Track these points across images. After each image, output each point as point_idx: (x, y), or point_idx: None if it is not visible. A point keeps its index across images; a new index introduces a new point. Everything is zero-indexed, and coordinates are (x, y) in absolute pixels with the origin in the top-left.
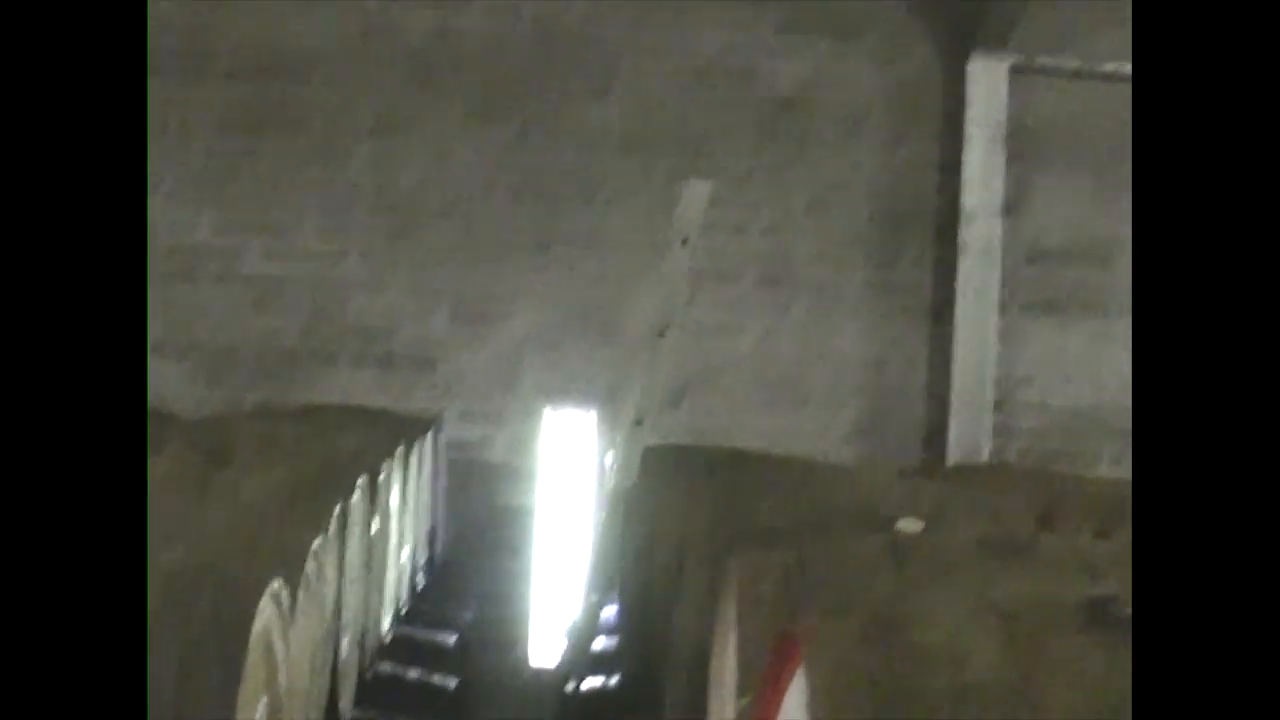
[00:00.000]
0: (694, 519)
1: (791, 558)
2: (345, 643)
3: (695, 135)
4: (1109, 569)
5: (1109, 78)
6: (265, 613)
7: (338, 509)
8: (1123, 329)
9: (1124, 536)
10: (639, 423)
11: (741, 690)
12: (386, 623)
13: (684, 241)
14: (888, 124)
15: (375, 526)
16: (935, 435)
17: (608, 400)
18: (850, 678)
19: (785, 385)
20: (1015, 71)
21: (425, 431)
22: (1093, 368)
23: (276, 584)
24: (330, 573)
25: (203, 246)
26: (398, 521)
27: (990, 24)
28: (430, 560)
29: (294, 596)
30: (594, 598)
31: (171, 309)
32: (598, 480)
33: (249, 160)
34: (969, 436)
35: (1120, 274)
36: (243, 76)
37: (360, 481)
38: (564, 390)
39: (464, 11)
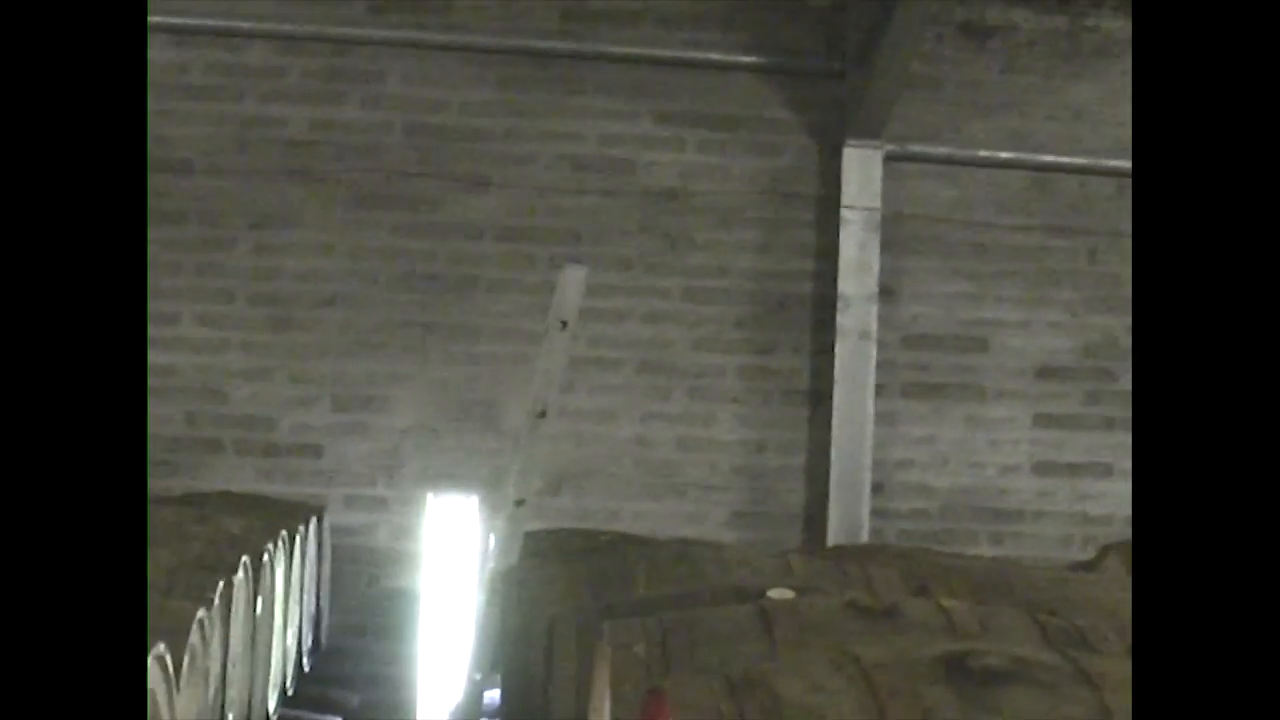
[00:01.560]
0: (568, 596)
1: (663, 624)
2: (230, 717)
3: (574, 225)
4: (974, 630)
5: (982, 164)
6: (151, 674)
7: (220, 585)
8: (998, 411)
9: (995, 605)
10: (519, 503)
11: None
12: (272, 704)
13: (562, 325)
14: (765, 212)
15: (259, 608)
16: (815, 519)
17: (489, 486)
18: None
19: (665, 471)
20: (890, 159)
21: (309, 517)
22: (970, 450)
23: (161, 647)
24: (215, 649)
25: None
26: (282, 604)
27: (863, 114)
28: (316, 643)
29: (178, 667)
30: (476, 679)
31: None
32: (480, 564)
33: None
34: (848, 519)
35: (996, 357)
36: None
37: (244, 561)
38: (446, 476)
39: (341, 106)
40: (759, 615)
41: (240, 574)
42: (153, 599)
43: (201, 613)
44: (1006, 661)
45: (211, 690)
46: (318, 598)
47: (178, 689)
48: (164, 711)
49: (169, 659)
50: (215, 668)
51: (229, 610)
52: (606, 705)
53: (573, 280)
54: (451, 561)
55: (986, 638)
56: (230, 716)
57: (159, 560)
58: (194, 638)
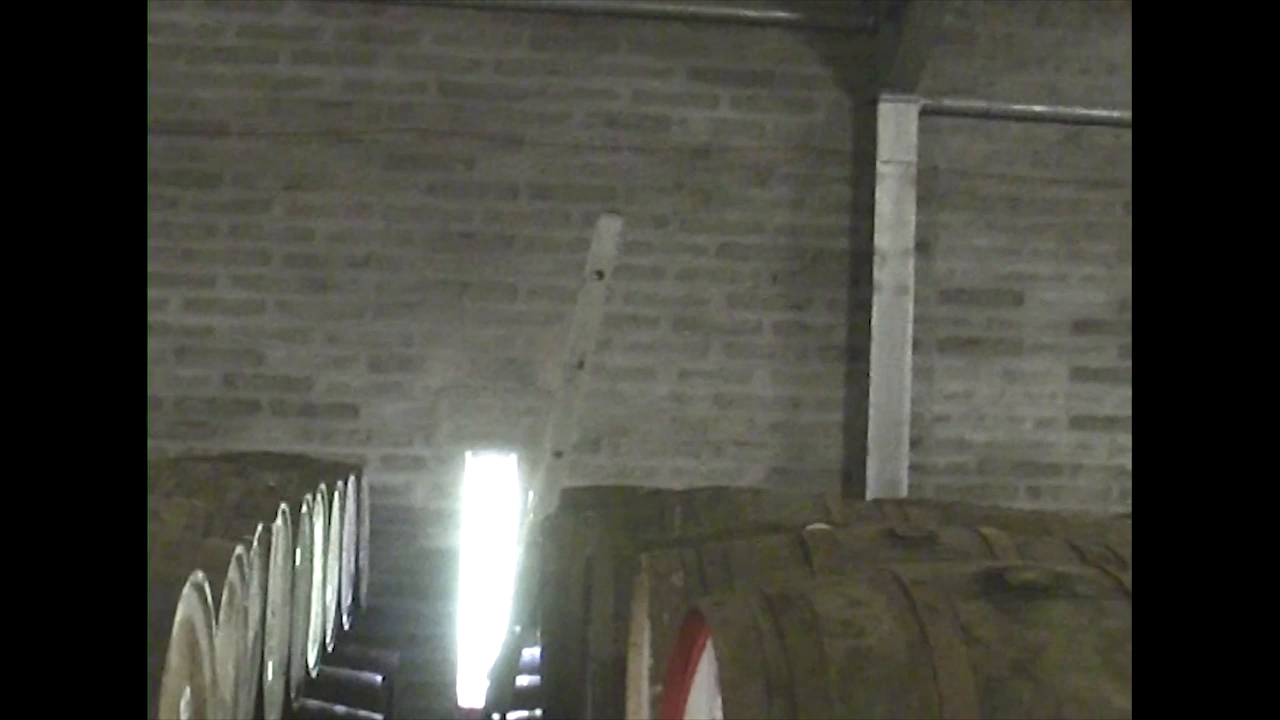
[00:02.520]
0: (605, 538)
1: (700, 554)
2: (270, 669)
3: (608, 182)
4: (1012, 552)
5: (1016, 118)
6: (189, 601)
7: (259, 528)
8: (1035, 365)
9: (1031, 538)
10: (557, 455)
11: (655, 678)
12: (312, 658)
13: (599, 275)
14: (799, 168)
15: (299, 558)
16: (853, 474)
17: (527, 444)
18: (752, 647)
19: (702, 428)
20: (924, 113)
21: (348, 475)
22: (1007, 404)
23: (200, 575)
24: (254, 591)
25: None
26: (321, 558)
27: (897, 68)
28: (355, 602)
29: (216, 601)
30: (516, 631)
31: None
32: (519, 518)
33: (167, 213)
34: (887, 474)
35: (1031, 311)
36: (157, 132)
37: (282, 508)
38: (483, 435)
39: (375, 66)
40: (796, 544)
41: (279, 521)
42: (188, 537)
43: (239, 550)
44: (1045, 576)
45: (251, 633)
46: (357, 556)
47: (216, 622)
48: (202, 642)
49: (208, 590)
50: (255, 611)
51: (268, 555)
52: (646, 635)
53: (609, 230)
54: (490, 520)
55: (1025, 558)
56: (270, 665)
57: (194, 507)
58: (232, 574)
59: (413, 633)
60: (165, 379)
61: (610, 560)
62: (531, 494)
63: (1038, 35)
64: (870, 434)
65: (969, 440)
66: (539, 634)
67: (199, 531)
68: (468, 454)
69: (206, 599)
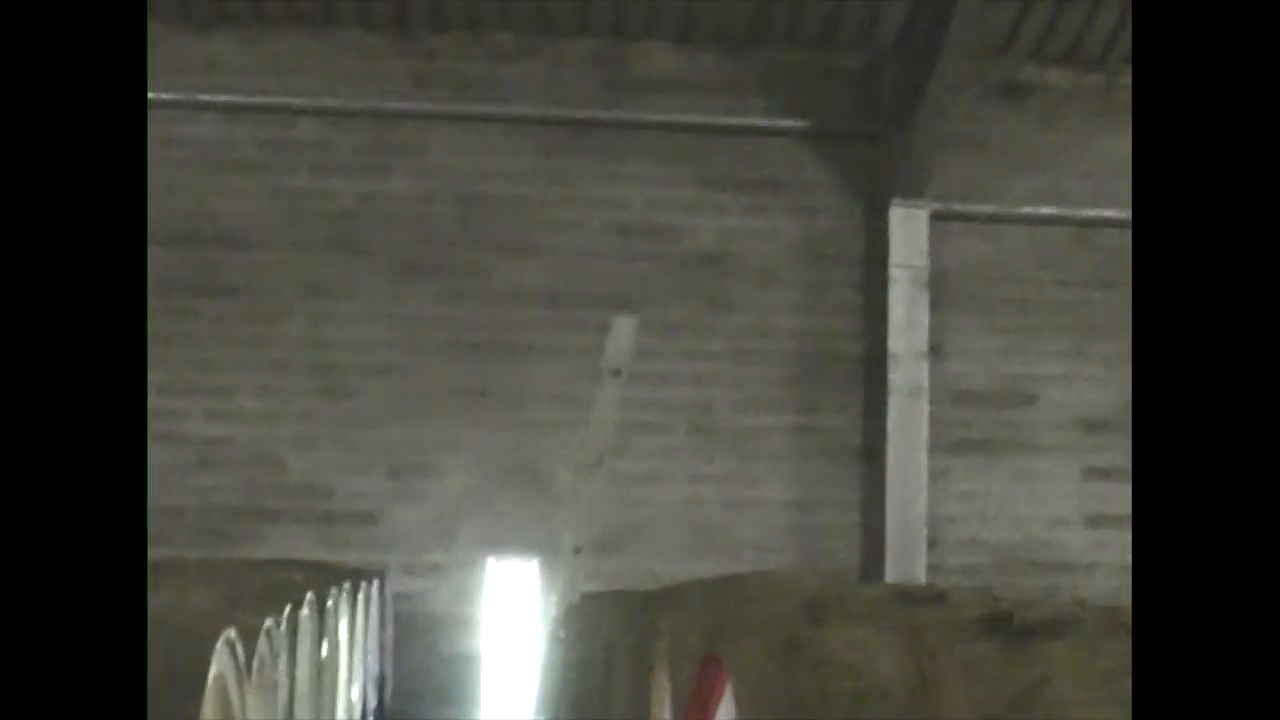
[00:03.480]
0: (624, 618)
1: (717, 616)
2: None
3: (620, 289)
4: (1017, 607)
5: (1024, 220)
6: (221, 658)
7: (287, 609)
8: (1047, 465)
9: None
10: (577, 551)
11: None
12: None
13: (615, 373)
14: (810, 272)
15: (325, 651)
16: (870, 576)
17: (545, 548)
18: (765, 688)
19: (715, 532)
20: (935, 218)
21: (371, 578)
22: (1017, 504)
23: (232, 633)
24: (282, 668)
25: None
26: (346, 656)
27: (906, 173)
28: (380, 707)
29: (248, 668)
30: None
31: None
32: (540, 617)
33: (188, 324)
34: (905, 575)
35: (1041, 412)
36: (178, 244)
37: (309, 597)
38: (503, 540)
39: (389, 178)
40: (808, 603)
41: (306, 610)
42: (219, 609)
43: (269, 623)
44: (1047, 617)
45: (280, 712)
46: (381, 660)
47: (248, 681)
48: (235, 701)
49: (240, 650)
50: (283, 692)
51: (295, 638)
52: (666, 698)
53: (624, 330)
54: (512, 624)
55: (1030, 607)
56: None
57: (219, 593)
58: (262, 645)
59: None
60: (186, 488)
61: (629, 633)
62: (553, 592)
63: (1043, 139)
64: (888, 535)
65: (983, 540)
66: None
67: (226, 604)
68: (490, 559)
69: (238, 658)
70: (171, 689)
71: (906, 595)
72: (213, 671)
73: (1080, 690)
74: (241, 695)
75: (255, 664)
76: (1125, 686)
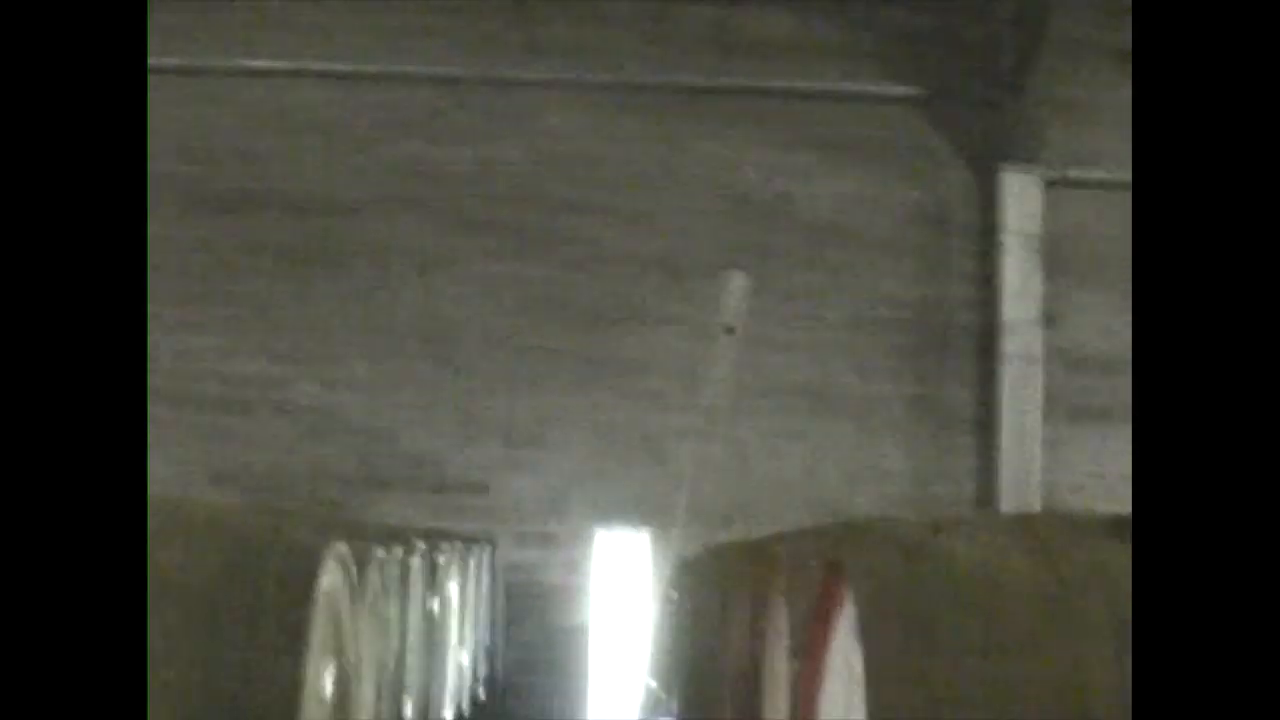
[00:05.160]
0: (738, 571)
1: (838, 544)
2: (409, 704)
3: (735, 257)
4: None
5: None
6: (332, 573)
7: (401, 551)
8: None
9: None
10: (690, 513)
11: (794, 654)
12: (449, 716)
13: (729, 330)
14: (924, 241)
15: (436, 606)
16: None
17: (657, 520)
18: (891, 595)
19: (833, 504)
20: (1048, 185)
21: (483, 546)
22: None
23: (344, 547)
24: (393, 610)
25: (258, 377)
26: (458, 616)
27: (1019, 139)
28: (490, 675)
29: (361, 591)
30: (652, 686)
31: (229, 439)
32: (655, 579)
33: (302, 294)
34: None
35: None
36: (292, 212)
37: (420, 546)
38: (614, 512)
39: (503, 147)
40: (931, 527)
41: (417, 558)
42: (331, 523)
43: (381, 552)
44: None
45: (392, 652)
46: (491, 630)
47: (360, 602)
48: (345, 614)
49: (353, 567)
50: (394, 638)
51: (406, 581)
52: (784, 625)
53: (738, 286)
54: (622, 596)
55: None
56: (409, 701)
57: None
58: (373, 576)
59: (546, 709)
60: (299, 456)
61: (744, 578)
62: (664, 558)
63: None
64: (1003, 506)
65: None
66: (676, 680)
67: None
68: (598, 530)
69: (351, 576)
70: (284, 596)
71: (1027, 515)
72: (323, 585)
73: None
74: (354, 619)
75: (367, 593)
76: None
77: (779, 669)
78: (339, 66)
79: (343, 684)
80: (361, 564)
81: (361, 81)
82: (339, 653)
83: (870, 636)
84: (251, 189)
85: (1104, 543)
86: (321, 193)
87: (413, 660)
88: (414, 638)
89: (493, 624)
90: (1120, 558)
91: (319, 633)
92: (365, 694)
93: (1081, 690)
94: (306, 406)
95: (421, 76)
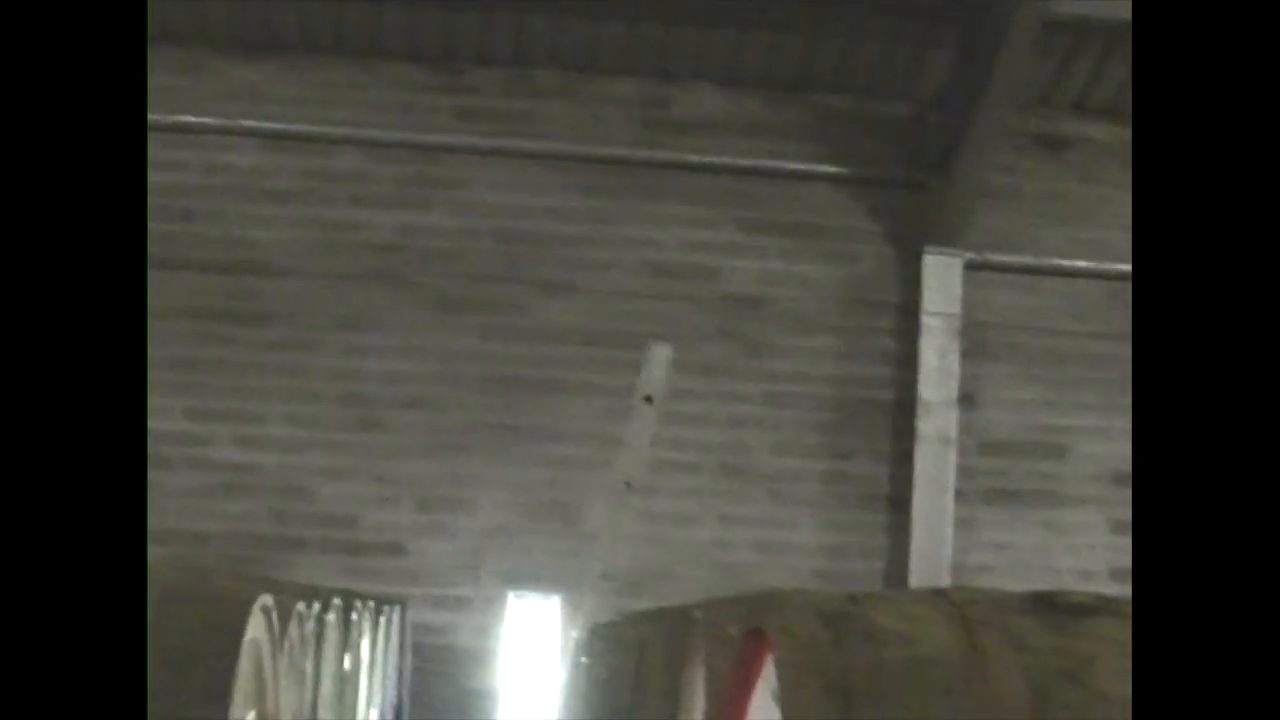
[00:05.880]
0: (655, 629)
1: (753, 611)
2: None
3: (657, 330)
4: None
5: (1060, 273)
6: (256, 623)
7: (316, 608)
8: (1075, 518)
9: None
10: (604, 576)
11: (711, 718)
12: None
13: (648, 400)
14: (845, 319)
15: (348, 663)
16: None
17: (570, 586)
18: (812, 657)
19: (743, 574)
20: (969, 267)
21: (394, 606)
22: (1047, 556)
23: (269, 599)
24: (309, 664)
25: (175, 434)
26: (368, 675)
27: (943, 222)
28: None
29: (281, 642)
30: None
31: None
32: (564, 643)
33: (220, 350)
34: None
35: (1073, 464)
36: (215, 270)
37: (335, 602)
38: (527, 577)
39: (428, 211)
40: (849, 598)
41: (333, 615)
42: (254, 586)
43: (301, 607)
44: (1091, 599)
45: (308, 703)
46: (399, 689)
47: (281, 652)
48: (267, 664)
49: (275, 619)
50: (308, 692)
51: (321, 637)
52: (700, 691)
53: (659, 357)
54: (532, 661)
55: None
56: None
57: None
58: (293, 631)
59: None
60: (214, 514)
61: (661, 640)
62: (575, 624)
63: (1082, 192)
64: (912, 583)
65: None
66: None
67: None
68: (511, 595)
69: (274, 627)
70: (210, 645)
71: (943, 588)
72: (249, 634)
73: (1129, 665)
74: (275, 668)
75: (287, 646)
76: None
77: None
78: (267, 125)
79: None
80: (283, 617)
81: (289, 141)
82: (260, 701)
83: (790, 701)
84: (174, 245)
85: (1024, 618)
86: (244, 251)
87: (325, 715)
88: (327, 692)
89: (400, 682)
90: (1040, 631)
91: (243, 682)
92: None
93: None
94: (224, 464)
95: (349, 138)
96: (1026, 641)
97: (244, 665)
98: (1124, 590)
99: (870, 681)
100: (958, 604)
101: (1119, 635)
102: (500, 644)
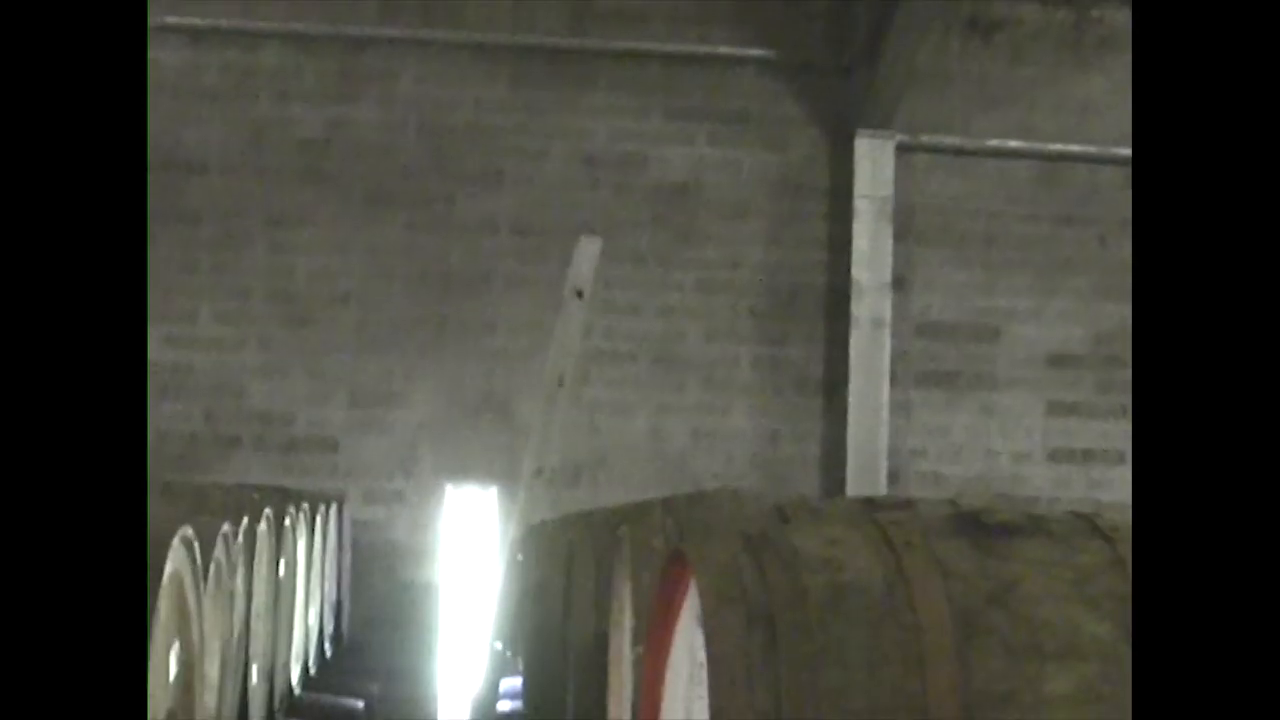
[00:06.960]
0: (587, 532)
1: (680, 523)
2: (254, 672)
3: (587, 220)
4: (984, 512)
5: (991, 154)
6: (177, 556)
7: (245, 521)
8: (1011, 400)
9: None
10: (538, 473)
11: (638, 639)
12: (295, 677)
13: (578, 294)
14: (776, 204)
15: (282, 569)
16: None
17: (507, 476)
18: (734, 581)
19: (680, 462)
20: (901, 150)
21: (330, 503)
22: (983, 438)
23: (189, 531)
24: (239, 580)
25: None
26: (304, 578)
27: (873, 105)
28: (337, 632)
29: (205, 571)
30: (498, 649)
31: None
32: (500, 542)
33: (149, 250)
34: None
35: (1007, 347)
36: None
37: (267, 513)
38: (464, 469)
39: (355, 107)
40: (776, 509)
41: (263, 525)
42: (177, 511)
43: (226, 528)
44: (1019, 517)
45: (237, 622)
46: (339, 587)
47: (204, 585)
48: (190, 600)
49: (197, 550)
50: (240, 604)
51: (253, 553)
52: (627, 605)
53: (588, 250)
54: (471, 553)
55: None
56: (254, 669)
57: (177, 509)
58: (219, 552)
59: (393, 665)
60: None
61: (590, 549)
62: (512, 519)
63: (1012, 74)
64: (849, 468)
65: (946, 475)
66: (521, 644)
67: (184, 511)
68: (447, 487)
69: (195, 558)
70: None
71: (872, 502)
72: (168, 569)
73: (1054, 588)
74: (199, 599)
75: (212, 570)
76: (1096, 587)
77: (624, 651)
78: (191, 21)
79: (187, 665)
80: (207, 544)
81: (212, 37)
82: (183, 632)
83: (714, 630)
84: None
85: (949, 541)
86: (170, 149)
87: (259, 627)
88: (260, 604)
89: (339, 581)
90: (965, 554)
91: (163, 617)
92: (210, 671)
93: (921, 688)
94: (155, 364)
95: (273, 33)
96: (951, 566)
97: (163, 607)
98: (1059, 471)
99: (794, 610)
100: (882, 526)
101: (1045, 556)
102: (438, 537)
